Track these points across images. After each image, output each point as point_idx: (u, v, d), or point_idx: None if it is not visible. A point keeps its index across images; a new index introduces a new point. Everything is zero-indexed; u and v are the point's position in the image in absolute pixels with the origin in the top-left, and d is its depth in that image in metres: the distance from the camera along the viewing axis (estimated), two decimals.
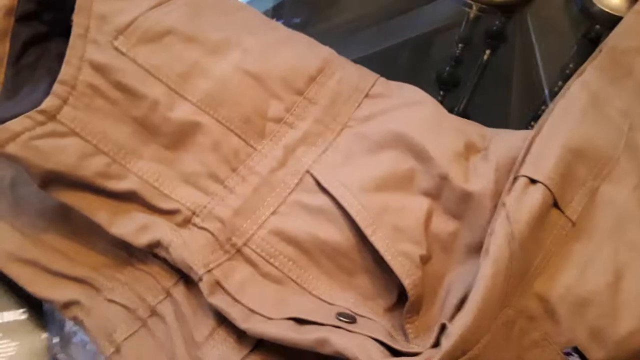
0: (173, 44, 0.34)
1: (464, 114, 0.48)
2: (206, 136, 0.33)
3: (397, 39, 0.52)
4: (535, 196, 0.28)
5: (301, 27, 0.47)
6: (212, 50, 0.34)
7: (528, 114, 0.46)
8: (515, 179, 0.29)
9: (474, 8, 0.52)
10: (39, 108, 0.30)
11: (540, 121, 0.32)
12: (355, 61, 0.39)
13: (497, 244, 0.26)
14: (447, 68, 0.50)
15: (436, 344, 0.26)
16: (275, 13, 0.54)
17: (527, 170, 0.29)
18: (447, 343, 0.24)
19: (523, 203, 0.27)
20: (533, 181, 0.28)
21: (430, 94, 0.36)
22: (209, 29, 0.35)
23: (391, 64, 0.50)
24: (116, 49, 0.32)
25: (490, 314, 0.25)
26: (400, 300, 0.31)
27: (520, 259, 0.26)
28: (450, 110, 0.35)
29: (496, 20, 0.51)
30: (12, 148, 0.30)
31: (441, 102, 0.36)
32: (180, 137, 0.33)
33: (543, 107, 0.45)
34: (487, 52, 0.51)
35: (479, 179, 0.31)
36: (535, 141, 0.31)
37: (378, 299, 0.31)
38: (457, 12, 0.53)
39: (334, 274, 0.31)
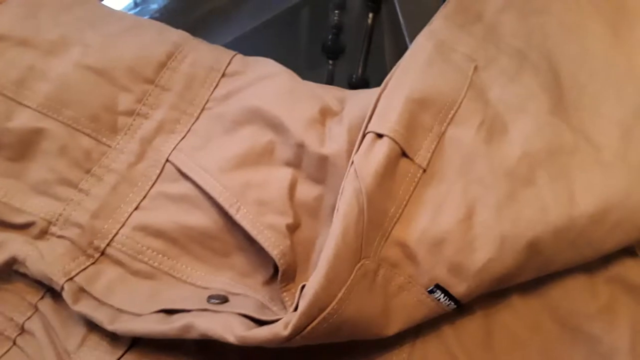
0: (5, 50, 0.32)
1: (363, 80, 0.48)
2: (51, 141, 0.31)
3: (275, 11, 0.51)
4: (381, 149, 0.28)
5: (180, 13, 0.45)
6: (48, 50, 0.33)
7: None
8: (364, 136, 0.30)
9: None
10: None
11: (387, 77, 0.33)
12: (239, 38, 0.37)
13: (345, 201, 0.27)
14: (330, 36, 0.50)
15: (297, 307, 0.26)
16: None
17: (373, 125, 0.29)
18: (303, 303, 0.24)
19: (369, 158, 0.28)
20: (379, 135, 0.29)
21: (320, 64, 0.36)
22: (44, 28, 0.33)
23: (276, 39, 0.49)
24: None
25: (344, 269, 0.25)
26: (278, 272, 0.31)
27: (372, 211, 0.27)
28: (349, 78, 0.34)
29: None
30: None
31: (332, 71, 0.35)
32: (23, 146, 0.31)
33: None
34: (370, 15, 0.51)
35: (333, 142, 0.31)
36: (382, 96, 0.31)
37: (255, 274, 0.31)
38: None
39: (207, 258, 0.31)
